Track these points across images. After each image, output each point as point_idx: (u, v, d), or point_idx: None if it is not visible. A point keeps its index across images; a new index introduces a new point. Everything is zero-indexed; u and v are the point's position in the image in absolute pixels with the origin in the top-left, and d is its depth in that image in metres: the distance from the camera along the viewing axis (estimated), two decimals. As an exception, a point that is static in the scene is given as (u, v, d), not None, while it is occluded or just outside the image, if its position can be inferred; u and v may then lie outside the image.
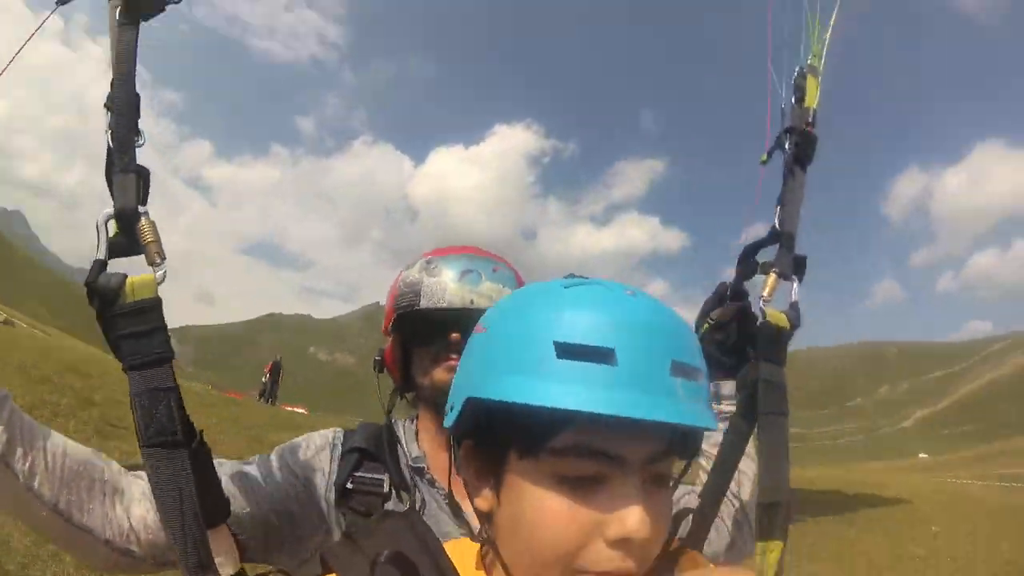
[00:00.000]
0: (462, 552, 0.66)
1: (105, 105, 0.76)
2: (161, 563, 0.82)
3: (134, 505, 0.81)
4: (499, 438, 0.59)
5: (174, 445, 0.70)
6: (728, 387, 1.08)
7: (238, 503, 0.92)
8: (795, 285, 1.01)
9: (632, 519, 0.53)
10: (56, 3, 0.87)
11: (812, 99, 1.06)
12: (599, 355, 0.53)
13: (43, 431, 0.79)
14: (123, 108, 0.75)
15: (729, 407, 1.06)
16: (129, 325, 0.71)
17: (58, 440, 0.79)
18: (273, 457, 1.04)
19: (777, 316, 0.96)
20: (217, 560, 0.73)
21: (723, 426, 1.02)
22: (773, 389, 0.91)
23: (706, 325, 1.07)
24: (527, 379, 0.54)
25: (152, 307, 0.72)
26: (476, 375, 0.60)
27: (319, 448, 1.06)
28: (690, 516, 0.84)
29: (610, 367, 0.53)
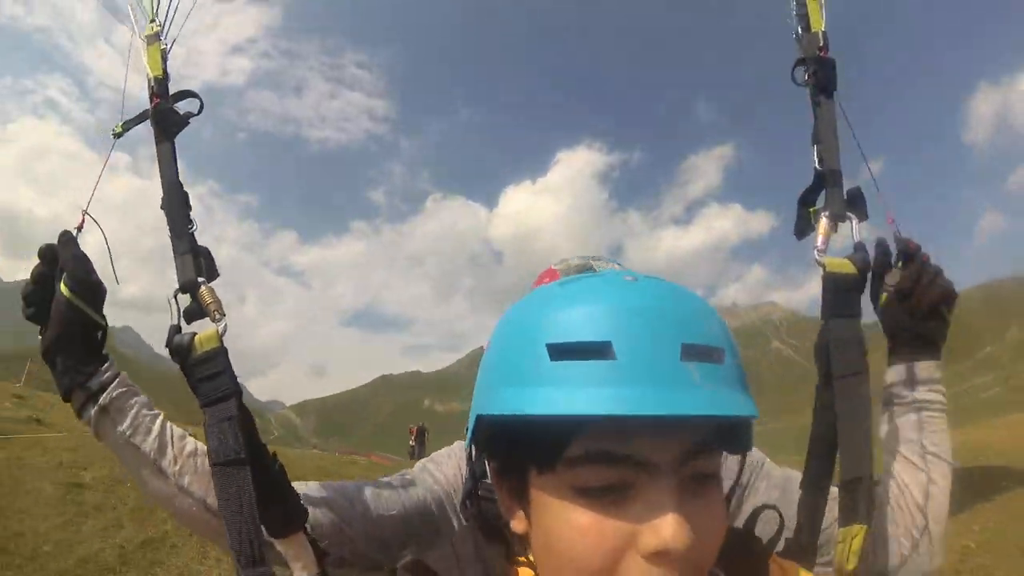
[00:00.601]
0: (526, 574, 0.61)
1: (160, 206, 0.91)
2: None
3: None
4: (516, 454, 0.56)
5: (238, 463, 0.79)
6: (926, 369, 0.92)
7: (382, 505, 1.00)
8: (855, 223, 0.91)
9: (667, 529, 0.48)
10: (113, 137, 0.99)
11: (817, 22, 0.99)
12: (595, 350, 0.49)
13: (191, 440, 0.92)
14: (174, 206, 0.90)
15: (928, 393, 0.91)
16: (201, 371, 0.83)
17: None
18: (418, 467, 1.12)
19: (839, 263, 0.87)
20: (296, 566, 0.82)
21: (917, 417, 0.90)
22: (846, 347, 0.84)
23: (884, 296, 0.93)
24: (523, 388, 0.51)
25: (217, 354, 0.84)
26: (481, 392, 0.58)
27: (459, 456, 1.10)
28: (771, 513, 0.73)
29: (609, 361, 0.49)
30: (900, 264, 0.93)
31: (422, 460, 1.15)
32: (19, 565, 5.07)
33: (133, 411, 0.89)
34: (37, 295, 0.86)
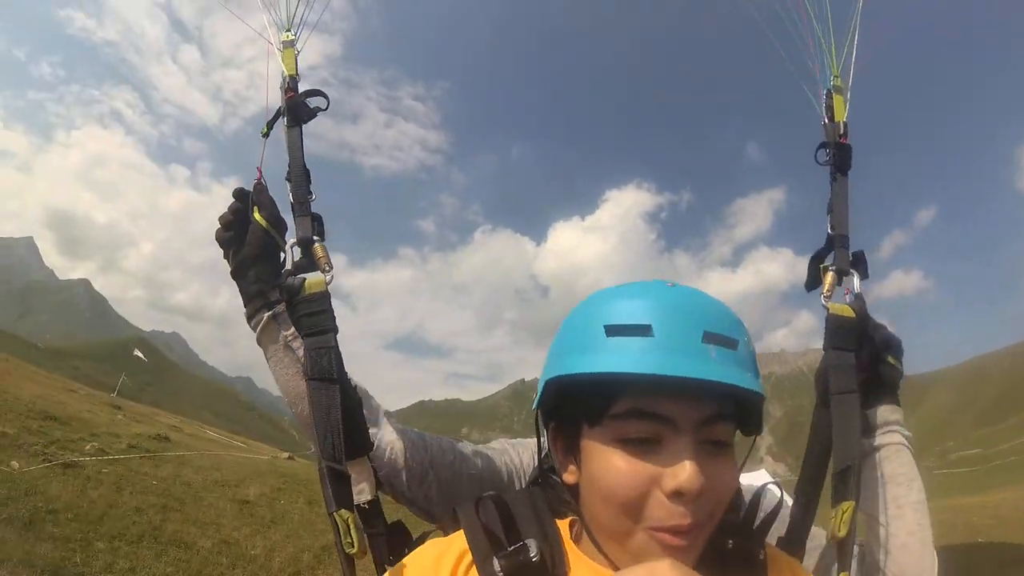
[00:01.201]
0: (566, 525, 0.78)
1: (286, 178, 1.05)
2: (387, 487, 1.02)
3: (385, 431, 1.09)
4: (573, 412, 0.73)
5: (330, 381, 0.93)
6: (884, 413, 1.05)
7: (467, 463, 1.14)
8: (856, 279, 1.09)
9: (683, 474, 0.63)
10: (263, 137, 1.13)
11: (840, 114, 1.18)
12: (639, 330, 0.67)
13: None
14: (298, 178, 1.04)
15: (886, 436, 1.04)
16: (305, 308, 0.97)
17: None
18: (501, 443, 1.24)
19: (840, 308, 1.04)
20: (357, 488, 0.92)
21: (876, 464, 1.01)
22: (841, 372, 1.00)
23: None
24: (584, 355, 0.69)
25: (322, 296, 0.98)
26: (550, 362, 0.75)
27: (534, 448, 1.12)
28: (773, 494, 0.87)
29: (648, 338, 0.66)
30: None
31: (504, 440, 1.25)
32: (243, 566, 5.96)
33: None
34: (234, 225, 1.06)
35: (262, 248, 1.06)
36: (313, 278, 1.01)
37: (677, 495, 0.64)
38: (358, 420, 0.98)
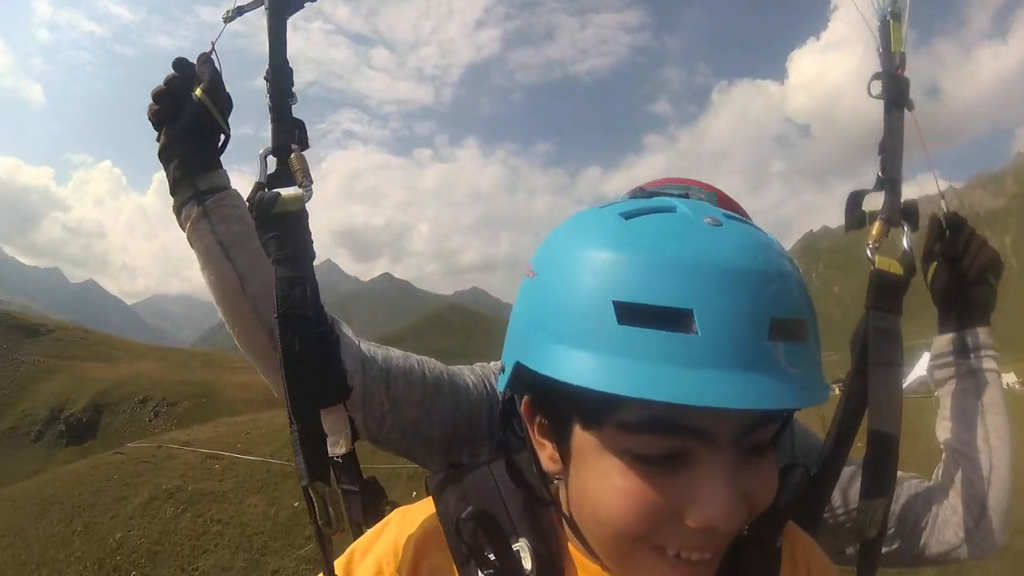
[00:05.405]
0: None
1: (264, 77, 0.92)
2: None
3: (347, 360, 0.88)
4: (558, 403, 0.52)
5: (302, 320, 0.77)
6: (979, 335, 0.98)
7: (439, 401, 0.95)
8: (906, 231, 0.96)
9: (717, 508, 0.46)
10: (223, 21, 0.98)
11: (898, 44, 1.05)
12: (673, 319, 0.43)
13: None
14: (277, 78, 0.92)
15: (982, 360, 0.97)
16: (277, 228, 0.81)
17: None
18: (478, 369, 1.05)
19: (888, 263, 0.91)
20: (330, 439, 0.78)
21: (975, 387, 0.96)
22: (885, 339, 0.86)
23: (935, 264, 1.00)
24: (579, 352, 0.45)
25: (298, 216, 0.82)
26: (524, 335, 0.52)
27: None
28: (800, 476, 0.68)
29: (688, 335, 0.43)
30: (948, 235, 0.99)
31: (484, 365, 1.07)
32: None
33: (234, 224, 0.89)
34: (166, 97, 0.90)
35: (197, 127, 0.91)
36: (289, 193, 0.83)
37: (705, 531, 0.47)
38: (335, 363, 0.83)
